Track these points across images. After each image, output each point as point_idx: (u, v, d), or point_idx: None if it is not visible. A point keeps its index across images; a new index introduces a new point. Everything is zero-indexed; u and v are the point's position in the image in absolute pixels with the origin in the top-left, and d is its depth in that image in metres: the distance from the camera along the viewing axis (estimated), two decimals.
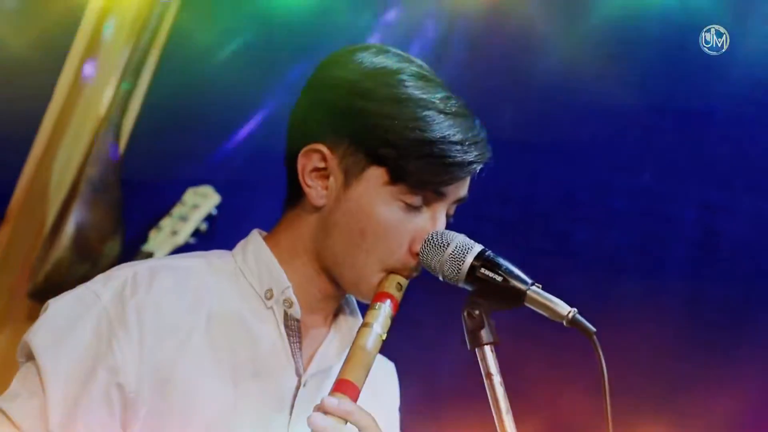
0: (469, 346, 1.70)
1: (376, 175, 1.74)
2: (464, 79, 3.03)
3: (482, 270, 1.70)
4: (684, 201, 2.89)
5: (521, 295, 1.68)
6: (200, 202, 3.29)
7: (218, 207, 3.30)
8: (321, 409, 1.60)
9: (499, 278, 1.69)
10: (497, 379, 1.67)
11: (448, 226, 1.80)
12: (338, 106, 1.76)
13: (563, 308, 1.65)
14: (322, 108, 1.78)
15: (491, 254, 1.72)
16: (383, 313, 1.72)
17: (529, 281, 1.69)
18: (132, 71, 3.36)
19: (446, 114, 1.75)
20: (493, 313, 1.71)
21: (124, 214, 3.31)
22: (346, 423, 1.60)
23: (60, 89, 3.38)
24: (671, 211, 2.91)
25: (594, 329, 1.64)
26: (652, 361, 2.86)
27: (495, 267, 1.70)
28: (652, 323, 2.86)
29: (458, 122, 1.75)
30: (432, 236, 1.74)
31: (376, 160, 1.74)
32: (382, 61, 1.79)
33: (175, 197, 3.32)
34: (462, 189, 1.80)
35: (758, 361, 2.81)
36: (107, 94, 3.40)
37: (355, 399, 1.64)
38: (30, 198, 3.40)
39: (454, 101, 1.78)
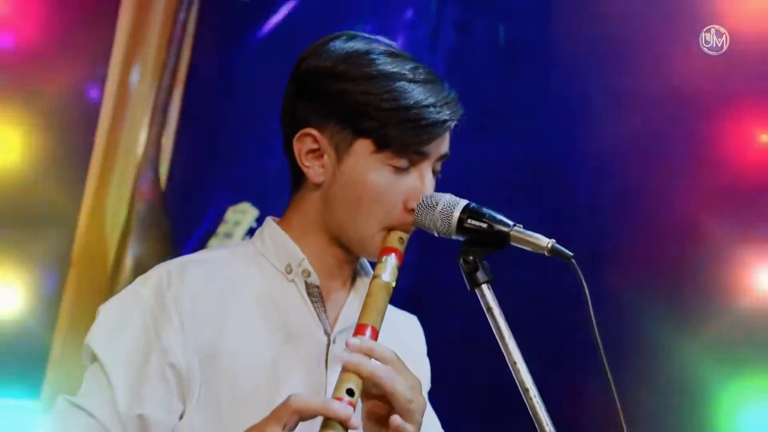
0: (468, 288, 1.84)
1: (363, 146, 1.89)
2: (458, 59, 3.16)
3: (469, 221, 1.84)
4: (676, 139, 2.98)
5: (506, 236, 1.82)
6: (241, 219, 3.47)
7: (257, 220, 3.46)
8: (348, 348, 1.75)
9: (484, 225, 1.83)
10: (497, 311, 1.82)
11: (438, 182, 1.94)
12: (320, 91, 1.91)
13: (543, 240, 1.79)
14: (306, 95, 1.93)
15: (475, 206, 1.86)
16: (390, 265, 1.87)
17: (511, 223, 1.83)
18: (160, 110, 3.55)
19: (416, 82, 1.89)
20: (487, 256, 1.84)
21: (175, 241, 3.50)
22: (370, 359, 1.75)
23: (99, 137, 3.58)
24: (664, 148, 3.00)
25: (572, 254, 1.77)
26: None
27: (479, 216, 1.84)
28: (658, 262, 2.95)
29: (428, 88, 1.90)
30: (423, 199, 1.88)
31: (361, 133, 1.89)
32: (352, 45, 1.93)
33: (218, 218, 3.50)
34: (443, 146, 1.94)
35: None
36: (143, 135, 3.60)
37: (375, 338, 1.78)
38: (89, 241, 3.59)
39: (422, 70, 1.92)
